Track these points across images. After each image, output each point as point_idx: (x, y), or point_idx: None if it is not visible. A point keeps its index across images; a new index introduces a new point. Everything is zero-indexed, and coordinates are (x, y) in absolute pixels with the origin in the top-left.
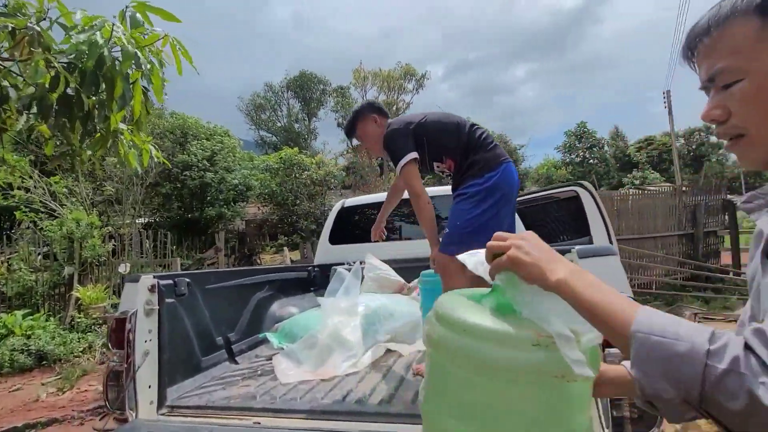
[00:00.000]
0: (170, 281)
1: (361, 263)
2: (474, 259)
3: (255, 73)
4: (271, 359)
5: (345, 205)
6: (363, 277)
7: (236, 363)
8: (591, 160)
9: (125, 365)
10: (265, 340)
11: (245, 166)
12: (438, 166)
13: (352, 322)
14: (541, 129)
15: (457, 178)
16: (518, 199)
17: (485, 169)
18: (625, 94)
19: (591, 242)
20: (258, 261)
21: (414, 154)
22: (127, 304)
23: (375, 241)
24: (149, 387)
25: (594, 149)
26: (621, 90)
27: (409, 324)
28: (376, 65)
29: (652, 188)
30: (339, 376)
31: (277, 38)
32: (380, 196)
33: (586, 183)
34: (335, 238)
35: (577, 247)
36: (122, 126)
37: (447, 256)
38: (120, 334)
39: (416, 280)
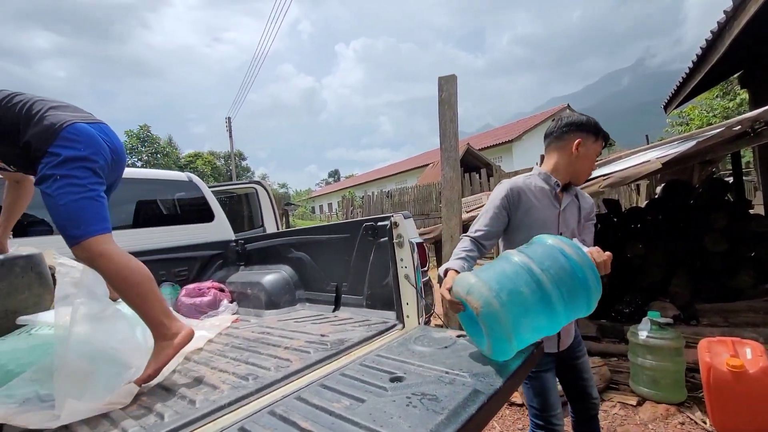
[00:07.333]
0: None
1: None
2: None
3: None
4: None
5: None
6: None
7: None
8: (156, 166)
9: None
10: None
11: None
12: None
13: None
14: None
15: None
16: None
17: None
18: (180, 108)
19: (265, 230)
20: None
21: None
22: None
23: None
24: None
25: (158, 156)
26: (171, 103)
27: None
28: None
29: None
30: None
31: None
32: None
33: (263, 182)
34: None
35: None
36: None
37: None
38: None
39: None
